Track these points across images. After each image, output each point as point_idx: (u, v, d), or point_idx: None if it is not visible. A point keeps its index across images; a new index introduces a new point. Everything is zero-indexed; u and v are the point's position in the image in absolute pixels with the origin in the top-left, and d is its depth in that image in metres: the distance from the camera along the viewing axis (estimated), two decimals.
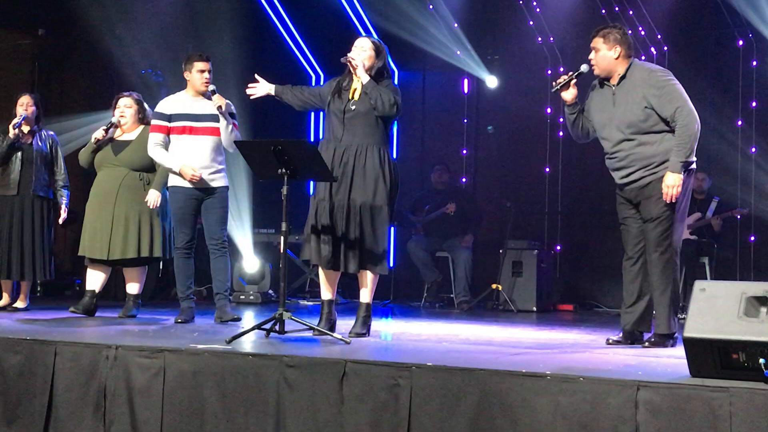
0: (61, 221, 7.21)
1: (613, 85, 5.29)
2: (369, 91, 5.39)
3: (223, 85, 7.19)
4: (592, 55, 5.31)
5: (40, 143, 7.18)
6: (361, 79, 5.42)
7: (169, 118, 6.36)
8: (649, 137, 5.17)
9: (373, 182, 5.40)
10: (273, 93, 5.72)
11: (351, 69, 5.46)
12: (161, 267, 8.97)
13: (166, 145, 6.37)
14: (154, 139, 6.36)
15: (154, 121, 6.42)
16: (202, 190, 6.33)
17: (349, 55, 5.47)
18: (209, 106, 6.30)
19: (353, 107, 5.44)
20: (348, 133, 5.44)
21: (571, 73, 5.37)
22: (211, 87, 6.29)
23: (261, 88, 5.72)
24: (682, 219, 5.31)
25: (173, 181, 6.37)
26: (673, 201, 5.10)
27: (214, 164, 6.33)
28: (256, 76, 5.80)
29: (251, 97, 5.78)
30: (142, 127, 6.71)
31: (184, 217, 6.37)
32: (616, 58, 5.26)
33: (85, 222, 6.69)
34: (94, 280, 6.69)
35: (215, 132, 6.30)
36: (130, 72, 9.67)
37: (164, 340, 4.92)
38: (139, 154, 6.60)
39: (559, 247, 9.95)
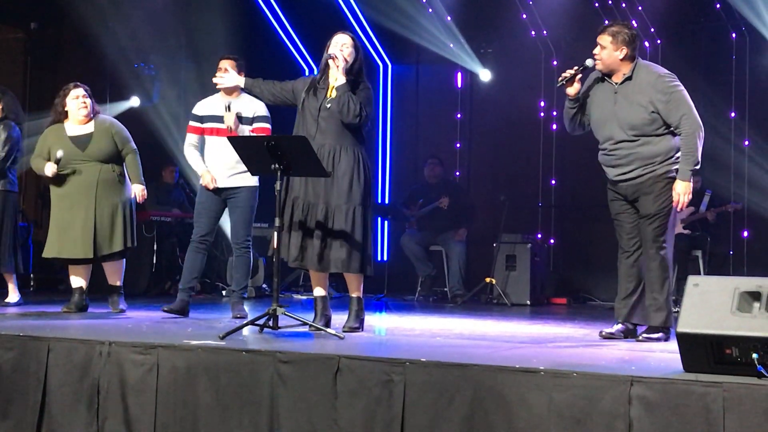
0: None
1: (616, 83, 5.27)
2: (339, 95, 5.36)
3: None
4: (597, 50, 5.29)
5: None
6: (337, 79, 5.40)
7: (201, 119, 6.46)
8: (651, 138, 5.17)
9: (348, 183, 5.35)
10: (242, 85, 5.73)
11: (334, 67, 5.40)
12: (155, 261, 8.96)
13: (199, 147, 6.48)
14: (189, 140, 6.49)
15: (190, 123, 6.52)
16: (228, 191, 6.40)
17: (332, 52, 5.43)
18: (236, 107, 6.34)
19: (329, 105, 5.40)
20: (321, 132, 5.40)
21: (576, 68, 5.33)
22: (228, 103, 6.34)
23: (229, 78, 5.76)
24: (676, 215, 5.33)
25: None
26: (683, 208, 5.11)
27: (240, 165, 6.20)
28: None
29: (217, 86, 5.92)
30: (92, 117, 6.65)
31: (202, 212, 6.45)
32: (622, 59, 5.24)
33: (54, 223, 6.55)
34: (79, 277, 6.67)
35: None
36: (122, 66, 9.65)
37: (158, 336, 4.90)
38: (105, 144, 6.54)
39: (552, 241, 9.97)
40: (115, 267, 6.73)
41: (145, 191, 6.61)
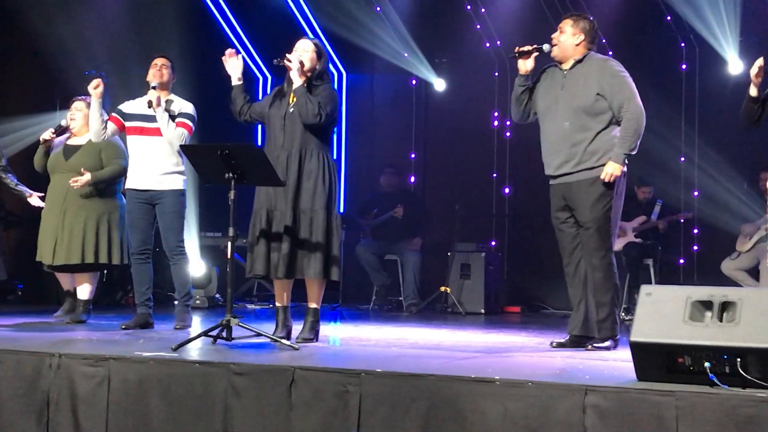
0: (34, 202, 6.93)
1: (565, 70, 5.34)
2: (297, 97, 5.34)
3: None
4: (556, 35, 5.36)
5: None
6: (294, 82, 5.38)
7: (125, 116, 6.34)
8: (592, 126, 5.20)
9: (312, 187, 5.34)
10: (235, 83, 5.61)
11: (294, 71, 5.39)
12: (105, 272, 8.84)
13: (109, 132, 6.34)
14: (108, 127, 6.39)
15: (111, 113, 6.43)
16: (152, 193, 6.25)
17: (287, 55, 5.42)
18: (164, 102, 6.22)
19: (292, 110, 5.39)
20: (287, 138, 5.38)
21: (535, 45, 5.39)
22: (153, 83, 6.21)
23: (235, 66, 5.64)
24: (617, 221, 5.35)
25: (127, 184, 6.34)
26: (612, 180, 5.14)
27: (167, 166, 6.21)
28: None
29: (226, 63, 5.67)
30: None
31: (134, 222, 6.31)
32: (577, 45, 5.32)
33: (41, 227, 6.68)
34: (66, 282, 6.78)
35: None
36: (73, 73, 9.51)
37: (109, 348, 4.84)
38: (90, 159, 6.55)
39: (500, 250, 9.98)
40: (83, 279, 6.71)
41: (85, 182, 6.43)
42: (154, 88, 6.16)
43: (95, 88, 6.15)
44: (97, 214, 6.55)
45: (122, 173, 6.62)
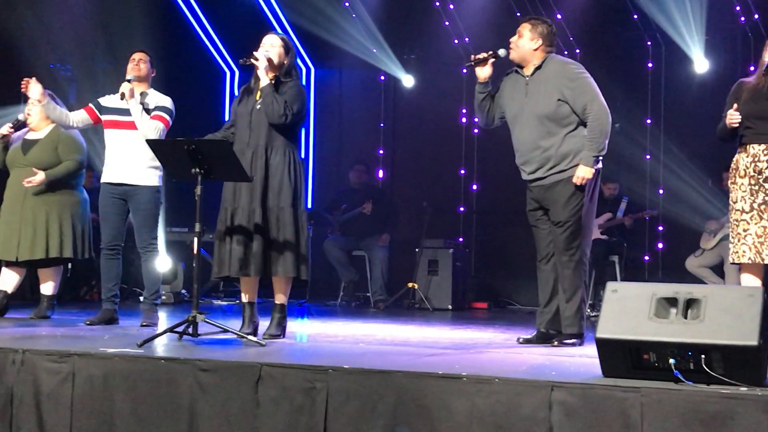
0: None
1: (527, 76, 5.35)
2: (263, 96, 5.31)
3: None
4: (514, 38, 5.37)
5: None
6: (261, 80, 5.35)
7: (101, 109, 6.28)
8: (561, 132, 5.23)
9: (278, 184, 5.32)
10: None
11: (261, 69, 5.35)
12: (69, 267, 8.76)
13: (78, 119, 6.29)
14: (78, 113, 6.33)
15: (89, 104, 6.37)
16: (126, 188, 6.19)
17: (253, 53, 5.38)
18: (139, 96, 6.16)
19: (258, 107, 5.36)
20: (254, 134, 5.36)
21: (490, 52, 5.40)
22: (129, 76, 6.15)
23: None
24: (591, 222, 5.39)
25: (102, 178, 6.28)
26: (583, 184, 5.17)
27: (143, 161, 6.12)
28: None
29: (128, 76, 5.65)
30: (52, 125, 6.54)
31: (106, 216, 6.24)
32: (534, 50, 5.32)
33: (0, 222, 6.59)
34: (8, 281, 6.61)
35: None
36: (38, 66, 9.40)
37: (74, 344, 4.79)
38: (47, 154, 6.48)
39: (467, 246, 10.01)
40: (45, 275, 6.65)
41: (40, 181, 6.36)
42: (129, 81, 6.09)
43: (24, 89, 6.13)
44: (58, 208, 6.49)
45: (78, 169, 6.58)
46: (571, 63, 5.38)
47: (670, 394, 3.48)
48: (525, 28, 5.35)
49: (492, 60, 5.40)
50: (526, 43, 5.33)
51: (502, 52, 5.39)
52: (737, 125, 4.89)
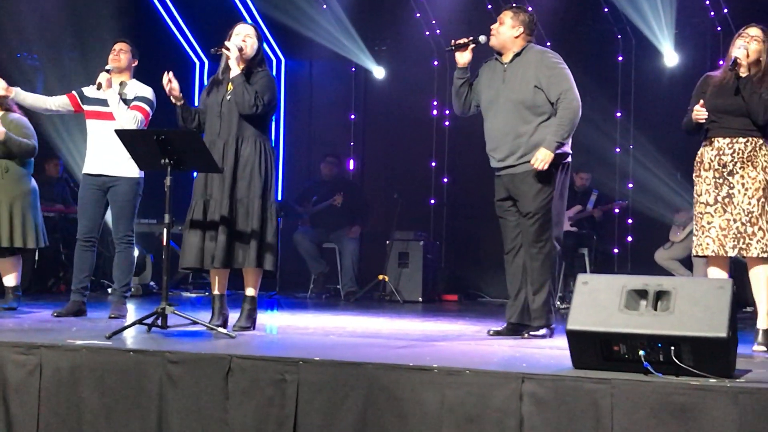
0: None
1: (505, 63, 5.36)
2: (234, 86, 5.27)
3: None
4: (495, 25, 5.39)
5: None
6: (232, 70, 5.31)
7: (84, 99, 6.23)
8: (533, 119, 5.24)
9: (248, 175, 5.29)
10: (179, 104, 5.40)
11: (232, 59, 5.30)
12: (36, 258, 8.66)
13: (58, 102, 6.26)
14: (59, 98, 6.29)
15: (72, 91, 6.32)
16: (105, 179, 6.13)
17: (226, 43, 5.34)
18: (117, 87, 6.09)
19: (229, 97, 5.32)
20: (224, 126, 5.31)
21: (471, 37, 5.41)
22: (108, 67, 6.07)
23: (174, 89, 5.35)
24: (562, 215, 5.40)
25: (83, 169, 6.23)
26: (543, 169, 5.17)
27: (123, 152, 5.97)
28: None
29: (166, 88, 5.37)
30: (0, 113, 6.44)
31: (83, 207, 6.19)
32: (515, 37, 5.35)
33: None
34: None
35: None
36: (5, 55, 9.28)
37: (41, 336, 4.73)
38: None
39: (438, 239, 10.02)
40: (5, 265, 6.58)
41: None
42: (107, 71, 6.02)
43: None
44: (9, 197, 6.38)
45: (33, 152, 6.50)
46: (550, 53, 5.41)
47: (640, 386, 3.50)
48: (507, 16, 5.37)
49: (472, 46, 5.41)
50: (507, 30, 5.34)
51: (482, 38, 5.40)
52: (703, 120, 4.92)
